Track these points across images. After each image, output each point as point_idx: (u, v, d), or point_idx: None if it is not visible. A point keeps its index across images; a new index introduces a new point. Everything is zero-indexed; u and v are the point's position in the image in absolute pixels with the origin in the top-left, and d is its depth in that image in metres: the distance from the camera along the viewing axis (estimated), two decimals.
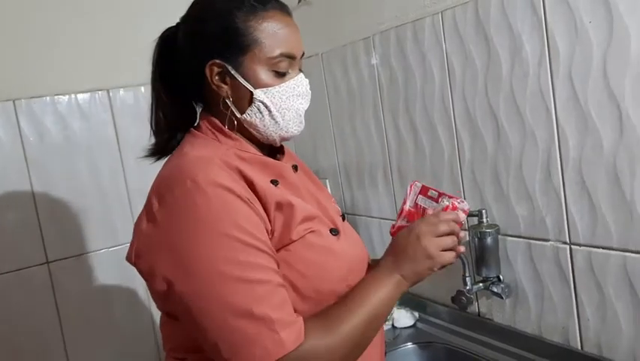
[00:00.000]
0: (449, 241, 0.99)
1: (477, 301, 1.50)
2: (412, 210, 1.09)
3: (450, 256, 0.99)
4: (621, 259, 1.14)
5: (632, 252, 1.12)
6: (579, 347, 1.26)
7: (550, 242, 1.28)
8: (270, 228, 0.90)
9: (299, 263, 0.91)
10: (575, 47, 1.14)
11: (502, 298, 1.37)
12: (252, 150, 0.99)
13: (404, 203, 1.10)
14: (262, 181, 0.92)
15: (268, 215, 0.90)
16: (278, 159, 1.05)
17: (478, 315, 1.51)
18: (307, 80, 1.01)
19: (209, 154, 0.92)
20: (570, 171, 1.20)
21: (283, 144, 1.07)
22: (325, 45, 1.88)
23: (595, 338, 1.23)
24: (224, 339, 0.81)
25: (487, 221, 1.37)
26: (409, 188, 1.10)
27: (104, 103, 1.91)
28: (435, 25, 1.44)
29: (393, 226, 1.10)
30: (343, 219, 1.08)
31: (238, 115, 0.97)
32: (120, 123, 1.93)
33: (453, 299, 1.38)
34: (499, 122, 1.33)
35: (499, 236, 1.37)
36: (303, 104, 1.00)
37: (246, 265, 0.83)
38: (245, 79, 0.94)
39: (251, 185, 0.90)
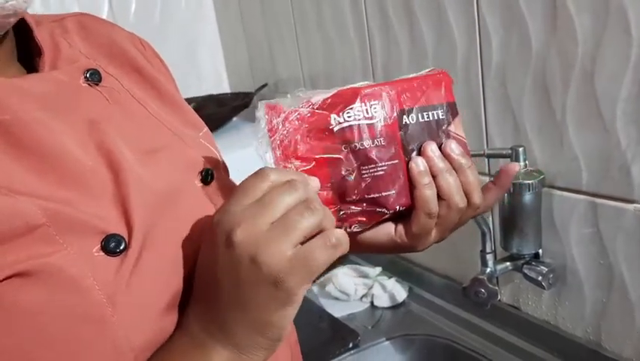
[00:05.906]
0: (305, 223, 0.40)
1: (498, 284, 0.99)
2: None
3: (323, 254, 0.41)
4: None
5: None
6: None
7: (634, 205, 0.75)
8: None
9: None
10: None
11: (542, 287, 0.86)
12: None
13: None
14: None
15: None
16: (36, 65, 0.50)
17: (499, 300, 1.01)
18: None
19: None
20: None
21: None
22: None
23: None
24: None
25: (526, 166, 0.83)
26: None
27: None
28: None
29: None
30: (208, 180, 0.52)
31: None
32: None
33: (465, 291, 0.87)
34: None
35: (544, 190, 0.84)
36: None
37: None
38: None
39: None
